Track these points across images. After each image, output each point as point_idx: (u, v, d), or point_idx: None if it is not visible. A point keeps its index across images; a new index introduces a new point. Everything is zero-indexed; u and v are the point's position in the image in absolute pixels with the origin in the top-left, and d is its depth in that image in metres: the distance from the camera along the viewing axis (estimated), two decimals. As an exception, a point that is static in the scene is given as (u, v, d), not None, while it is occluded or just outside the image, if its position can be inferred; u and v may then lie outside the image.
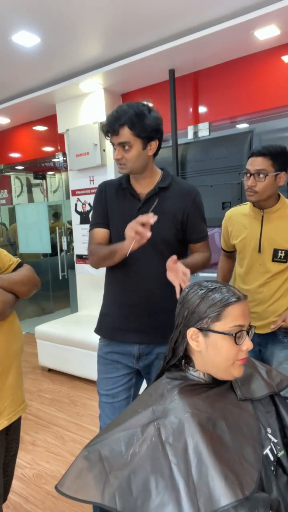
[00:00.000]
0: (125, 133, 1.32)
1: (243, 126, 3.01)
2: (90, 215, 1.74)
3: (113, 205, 1.48)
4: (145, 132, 1.33)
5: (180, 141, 3.01)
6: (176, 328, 0.95)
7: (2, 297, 1.17)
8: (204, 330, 0.89)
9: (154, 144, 1.39)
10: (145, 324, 1.45)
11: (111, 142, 1.39)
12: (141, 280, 1.44)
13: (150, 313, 1.44)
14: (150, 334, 1.44)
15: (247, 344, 0.88)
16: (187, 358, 0.96)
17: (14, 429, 1.35)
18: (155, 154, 1.46)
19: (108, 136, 1.37)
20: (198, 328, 0.89)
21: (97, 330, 1.58)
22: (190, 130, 3.05)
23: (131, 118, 1.30)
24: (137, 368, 1.50)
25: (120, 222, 1.41)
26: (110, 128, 1.33)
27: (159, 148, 1.44)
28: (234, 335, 0.86)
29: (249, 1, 2.19)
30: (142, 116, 1.32)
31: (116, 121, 1.32)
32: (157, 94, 3.16)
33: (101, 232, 1.48)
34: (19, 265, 1.34)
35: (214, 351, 0.88)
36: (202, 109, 3.00)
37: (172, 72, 2.89)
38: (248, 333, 0.89)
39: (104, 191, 1.51)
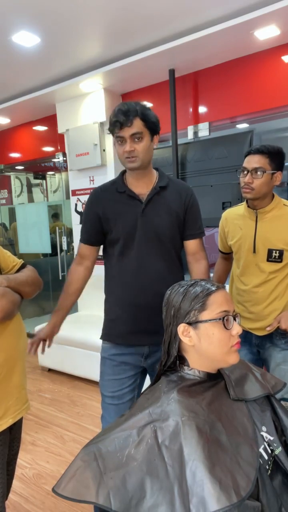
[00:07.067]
0: (138, 124, 1.34)
1: (243, 126, 3.01)
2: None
3: (113, 211, 1.46)
4: (153, 124, 1.37)
5: (180, 141, 3.00)
6: (166, 330, 0.97)
7: (11, 297, 1.18)
8: (193, 323, 0.91)
9: (156, 139, 1.42)
10: (157, 324, 1.45)
11: (120, 136, 1.35)
12: (150, 280, 1.44)
13: (160, 312, 1.45)
14: (162, 334, 1.45)
15: (236, 328, 0.91)
16: (181, 359, 0.97)
17: (16, 428, 1.36)
18: None
19: (117, 131, 1.35)
20: (187, 323, 0.91)
21: (106, 337, 1.55)
22: (190, 130, 3.04)
23: (142, 110, 1.34)
24: (144, 366, 1.51)
25: (124, 226, 1.43)
26: (124, 120, 1.32)
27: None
28: (222, 319, 0.90)
29: (249, 1, 2.19)
30: (148, 109, 1.37)
31: (129, 113, 1.32)
32: (157, 94, 3.16)
33: (84, 249, 1.57)
34: (22, 266, 1.34)
35: (207, 342, 0.90)
36: (202, 109, 2.99)
37: (172, 72, 2.89)
38: (234, 319, 0.93)
39: (96, 201, 1.49)
